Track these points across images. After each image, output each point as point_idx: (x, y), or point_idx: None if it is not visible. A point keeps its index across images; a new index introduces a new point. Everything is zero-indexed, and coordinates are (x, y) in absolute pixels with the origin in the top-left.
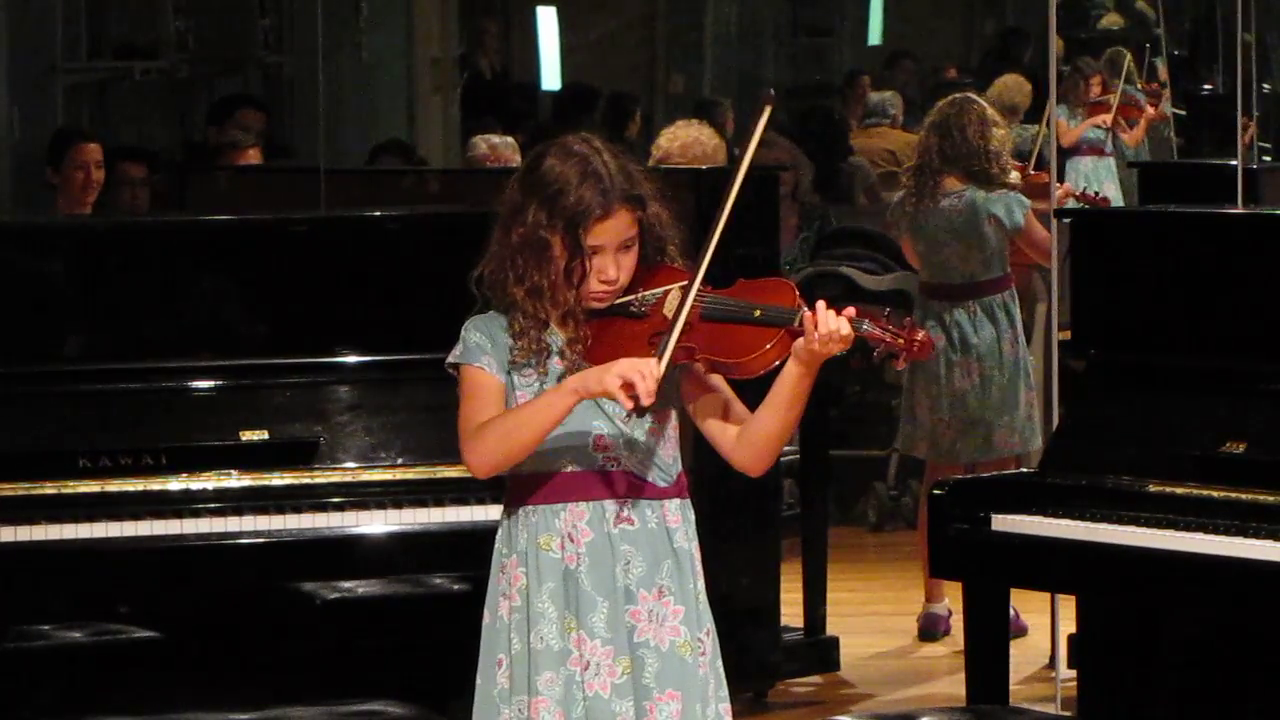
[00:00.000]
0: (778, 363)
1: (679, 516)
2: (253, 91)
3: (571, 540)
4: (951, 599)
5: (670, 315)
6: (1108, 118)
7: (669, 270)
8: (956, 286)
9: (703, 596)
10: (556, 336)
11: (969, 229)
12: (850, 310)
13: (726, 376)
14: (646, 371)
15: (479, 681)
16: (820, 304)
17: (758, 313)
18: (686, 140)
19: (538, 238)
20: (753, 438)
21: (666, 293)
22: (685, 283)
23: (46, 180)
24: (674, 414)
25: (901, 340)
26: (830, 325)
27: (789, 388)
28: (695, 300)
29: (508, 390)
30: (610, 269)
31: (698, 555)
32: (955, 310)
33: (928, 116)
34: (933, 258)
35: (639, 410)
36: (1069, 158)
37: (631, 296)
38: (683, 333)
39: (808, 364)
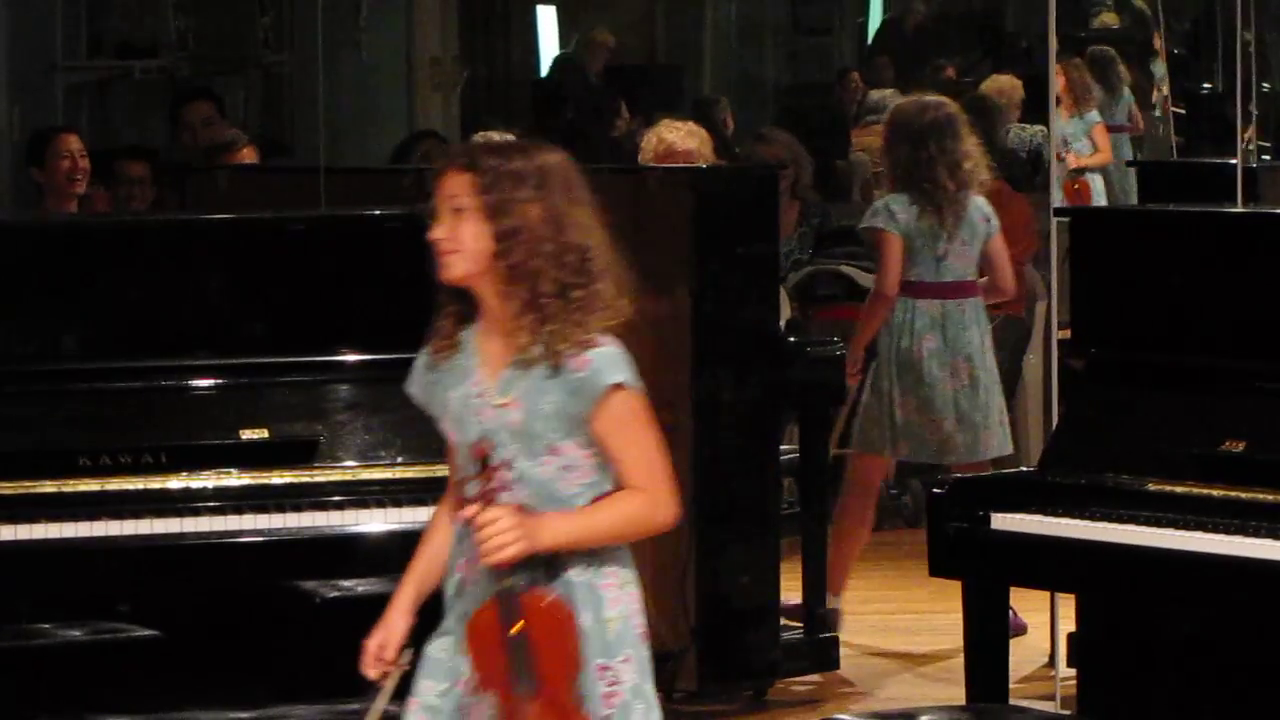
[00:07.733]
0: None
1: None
2: (252, 91)
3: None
4: (951, 599)
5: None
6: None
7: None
8: (948, 285)
9: (615, 624)
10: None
11: (959, 227)
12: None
13: None
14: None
15: None
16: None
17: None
18: (660, 152)
19: None
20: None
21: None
22: None
23: (33, 180)
24: (584, 438)
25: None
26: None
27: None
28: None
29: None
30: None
31: (605, 582)
32: (943, 308)
33: (900, 125)
34: (920, 256)
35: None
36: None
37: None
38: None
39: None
